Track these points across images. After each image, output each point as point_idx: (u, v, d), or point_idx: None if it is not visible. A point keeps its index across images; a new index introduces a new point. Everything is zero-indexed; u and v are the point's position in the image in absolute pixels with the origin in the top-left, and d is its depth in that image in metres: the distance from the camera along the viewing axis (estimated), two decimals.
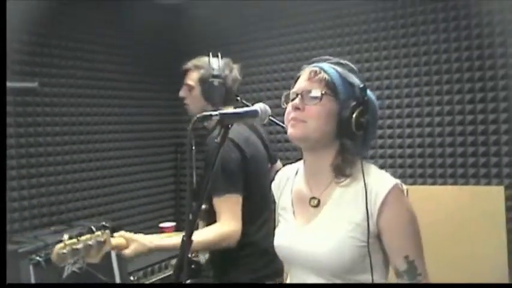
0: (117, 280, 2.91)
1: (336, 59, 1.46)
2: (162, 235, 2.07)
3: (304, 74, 1.45)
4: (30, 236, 2.79)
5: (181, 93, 2.28)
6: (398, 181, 1.37)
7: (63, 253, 1.62)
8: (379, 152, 3.33)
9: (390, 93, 3.30)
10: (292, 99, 1.43)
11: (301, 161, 1.54)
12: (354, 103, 1.36)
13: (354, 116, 1.35)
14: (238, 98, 2.36)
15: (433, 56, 3.15)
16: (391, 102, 3.30)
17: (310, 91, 1.39)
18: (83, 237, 1.69)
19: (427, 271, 1.36)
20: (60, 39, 3.38)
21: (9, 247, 2.57)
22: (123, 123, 3.87)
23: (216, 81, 2.15)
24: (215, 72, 2.16)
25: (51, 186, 3.30)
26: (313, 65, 1.46)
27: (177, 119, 4.20)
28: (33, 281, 2.48)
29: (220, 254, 2.08)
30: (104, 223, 1.78)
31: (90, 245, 1.69)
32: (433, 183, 3.16)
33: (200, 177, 2.12)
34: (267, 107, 1.47)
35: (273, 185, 1.67)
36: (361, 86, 1.39)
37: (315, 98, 1.38)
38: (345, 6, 3.45)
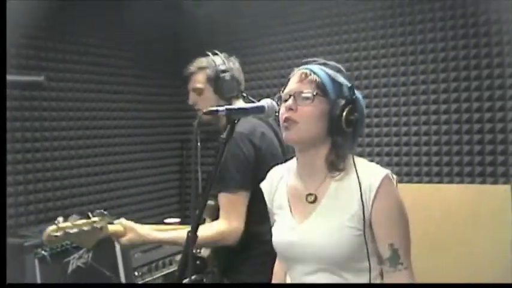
0: (122, 275, 2.92)
1: (323, 61, 1.54)
2: (162, 227, 2.05)
3: (295, 76, 1.52)
4: (35, 230, 2.80)
5: (191, 101, 2.21)
6: (388, 171, 1.43)
7: (56, 236, 1.62)
8: (385, 149, 3.31)
9: (397, 90, 3.29)
10: (285, 100, 1.49)
11: (293, 160, 1.61)
12: (343, 102, 1.44)
13: (344, 114, 1.43)
14: (244, 94, 2.35)
15: (440, 53, 3.14)
16: (397, 99, 3.28)
17: (301, 92, 1.46)
18: (78, 222, 1.67)
19: (412, 264, 1.42)
20: (66, 34, 3.38)
21: (15, 241, 2.58)
22: (128, 118, 3.88)
23: (227, 76, 2.12)
24: (222, 67, 2.12)
25: (57, 180, 3.31)
26: (303, 67, 1.53)
27: (183, 114, 4.20)
28: (38, 274, 2.49)
29: (228, 253, 2.06)
30: (102, 210, 1.77)
31: (84, 230, 1.68)
32: (440, 182, 3.15)
33: (207, 173, 2.12)
34: (274, 103, 1.48)
35: (264, 185, 1.70)
36: (349, 85, 1.47)
37: (307, 98, 1.45)
38: (353, 4, 3.45)
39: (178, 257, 3.28)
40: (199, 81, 2.17)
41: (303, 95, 1.46)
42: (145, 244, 1.96)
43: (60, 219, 1.65)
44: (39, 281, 2.49)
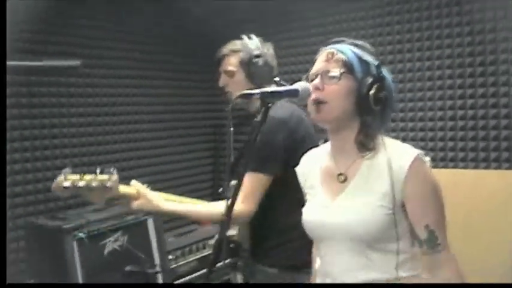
0: (156, 258, 2.98)
1: (351, 40, 1.53)
2: (176, 197, 2.07)
3: (322, 55, 1.53)
4: (73, 213, 2.88)
5: (221, 83, 2.21)
6: (420, 152, 1.42)
7: (64, 187, 1.67)
8: (420, 134, 3.26)
9: (431, 74, 3.22)
10: (312, 80, 1.50)
11: (327, 143, 1.61)
12: (370, 80, 1.43)
13: (371, 92, 1.42)
14: (277, 79, 2.33)
15: (477, 36, 3.06)
16: (432, 84, 3.21)
17: (328, 71, 1.47)
18: (87, 177, 1.72)
19: (449, 243, 1.41)
20: (100, 20, 3.44)
21: (54, 223, 2.67)
22: (162, 103, 3.91)
23: (260, 61, 2.09)
24: (256, 52, 2.10)
25: (92, 166, 3.36)
26: (330, 46, 1.53)
27: (216, 100, 4.21)
28: (76, 256, 2.57)
29: (261, 238, 2.07)
30: (111, 169, 1.80)
31: (93, 185, 1.72)
32: (475, 167, 3.08)
33: (239, 150, 2.11)
34: (308, 86, 1.46)
35: (298, 168, 1.71)
36: (376, 63, 1.46)
37: (334, 77, 1.45)
38: None
39: (211, 241, 3.32)
40: (231, 63, 2.16)
41: (330, 74, 1.46)
42: (156, 213, 1.96)
43: (68, 169, 1.70)
44: (78, 262, 2.57)
